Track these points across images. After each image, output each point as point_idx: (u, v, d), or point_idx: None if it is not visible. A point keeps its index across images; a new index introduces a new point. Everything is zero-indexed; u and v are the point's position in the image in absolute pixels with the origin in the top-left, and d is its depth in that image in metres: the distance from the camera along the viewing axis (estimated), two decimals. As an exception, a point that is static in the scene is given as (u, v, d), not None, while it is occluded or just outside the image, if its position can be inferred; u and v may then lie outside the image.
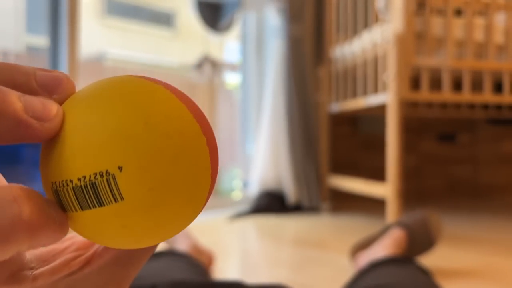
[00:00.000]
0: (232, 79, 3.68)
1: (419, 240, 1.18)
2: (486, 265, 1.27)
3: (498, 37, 1.85)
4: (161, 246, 1.23)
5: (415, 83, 1.87)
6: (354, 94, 2.13)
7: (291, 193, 2.24)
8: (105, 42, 7.97)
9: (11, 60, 2.71)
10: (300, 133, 2.27)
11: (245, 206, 2.29)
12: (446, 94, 1.76)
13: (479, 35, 1.82)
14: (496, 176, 2.90)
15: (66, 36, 1.75)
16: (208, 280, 0.58)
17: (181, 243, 1.18)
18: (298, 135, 2.26)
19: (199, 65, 2.27)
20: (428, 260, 1.27)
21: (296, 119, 2.26)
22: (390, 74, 1.69)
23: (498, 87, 1.95)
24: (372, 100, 1.90)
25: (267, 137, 2.29)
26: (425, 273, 0.87)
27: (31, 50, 6.58)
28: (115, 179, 0.16)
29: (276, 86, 2.27)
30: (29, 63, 2.76)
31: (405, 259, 0.91)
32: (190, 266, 0.87)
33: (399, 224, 1.19)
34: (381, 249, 1.10)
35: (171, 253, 0.95)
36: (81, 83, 1.29)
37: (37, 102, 0.15)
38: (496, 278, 1.15)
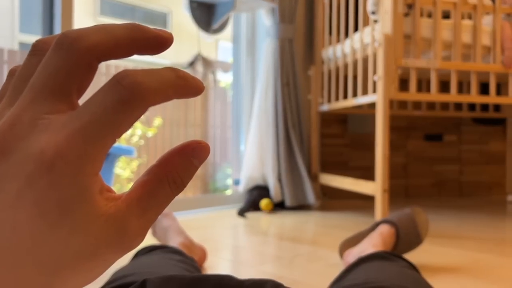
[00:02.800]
0: (225, 78, 3.71)
1: (407, 236, 1.22)
2: (472, 262, 1.30)
3: (485, 39, 1.89)
4: (154, 242, 1.25)
5: (405, 84, 1.91)
6: (344, 94, 2.17)
7: (276, 191, 2.26)
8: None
9: (5, 57, 2.71)
10: (290, 132, 2.30)
11: (244, 202, 2.31)
12: (434, 95, 1.81)
13: (466, 37, 1.86)
14: (481, 175, 2.96)
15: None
16: (199, 275, 0.60)
17: (174, 239, 1.20)
18: (287, 134, 2.29)
19: (192, 64, 2.29)
20: (415, 256, 1.31)
21: (286, 118, 2.29)
22: (379, 75, 1.73)
23: (485, 88, 2.00)
24: (361, 100, 1.94)
25: (256, 136, 2.32)
26: (412, 268, 0.89)
27: (25, 47, 6.54)
28: None
29: (267, 86, 2.30)
30: (22, 60, 2.76)
31: (393, 255, 0.94)
32: (182, 262, 0.88)
33: (387, 221, 1.23)
34: (370, 246, 1.13)
35: (163, 249, 0.96)
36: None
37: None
38: (481, 274, 1.19)
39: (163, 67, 0.19)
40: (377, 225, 1.24)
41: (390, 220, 1.23)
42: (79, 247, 0.18)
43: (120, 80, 0.18)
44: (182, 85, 0.19)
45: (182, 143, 0.21)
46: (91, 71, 0.19)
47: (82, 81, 0.19)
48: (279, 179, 2.28)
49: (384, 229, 1.20)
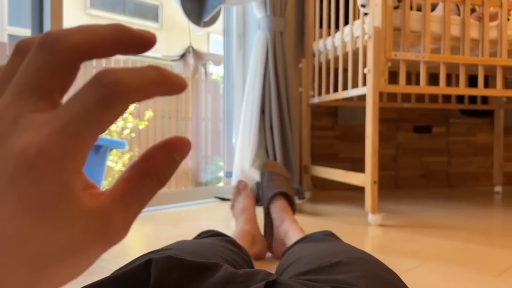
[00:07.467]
0: (216, 70, 3.70)
1: (287, 187, 1.30)
2: (459, 251, 1.33)
3: (473, 32, 1.92)
4: (150, 234, 1.26)
5: (394, 76, 1.93)
6: (335, 86, 2.18)
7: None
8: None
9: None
10: (280, 124, 2.31)
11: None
12: (423, 87, 1.83)
13: (455, 30, 1.88)
14: (469, 166, 3.00)
15: (49, 27, 1.76)
16: (204, 264, 0.60)
17: (241, 225, 1.21)
18: (277, 126, 2.30)
19: (183, 56, 2.29)
20: (404, 247, 1.34)
21: (277, 111, 2.30)
22: (369, 67, 1.74)
23: (473, 81, 2.03)
24: (352, 92, 1.95)
25: (246, 128, 2.32)
26: (329, 236, 0.92)
27: (14, 39, 6.47)
28: None
29: (257, 78, 2.31)
30: (10, 52, 2.76)
31: (308, 236, 0.97)
32: (230, 251, 0.84)
33: (270, 197, 1.27)
34: (286, 225, 1.17)
35: (219, 235, 0.93)
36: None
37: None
38: (469, 263, 1.21)
39: (145, 65, 0.20)
40: (268, 209, 1.27)
41: (272, 195, 1.26)
42: (64, 243, 0.18)
43: (101, 78, 0.18)
44: (164, 83, 0.19)
45: (164, 139, 0.21)
46: (74, 70, 0.19)
47: (64, 80, 0.19)
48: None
49: (278, 206, 1.24)
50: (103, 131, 0.19)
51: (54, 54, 0.18)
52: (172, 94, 0.20)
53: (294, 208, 1.29)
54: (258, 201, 2.18)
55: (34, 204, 0.17)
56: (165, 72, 0.20)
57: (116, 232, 0.19)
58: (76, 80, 0.21)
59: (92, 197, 0.19)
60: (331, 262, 0.66)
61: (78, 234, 0.18)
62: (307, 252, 0.80)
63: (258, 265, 1.10)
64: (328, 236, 0.92)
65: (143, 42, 0.20)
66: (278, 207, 1.24)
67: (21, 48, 0.21)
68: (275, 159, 2.29)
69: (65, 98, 0.20)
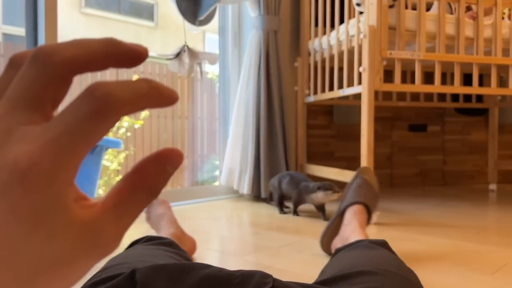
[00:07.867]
0: (212, 69, 3.70)
1: (373, 202, 1.30)
2: (454, 249, 1.34)
3: (468, 31, 1.92)
4: (146, 232, 1.26)
5: (389, 75, 1.94)
6: (330, 85, 2.19)
7: (249, 183, 2.25)
8: (85, 32, 7.85)
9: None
10: (268, 123, 2.29)
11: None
12: (418, 86, 1.83)
13: (449, 28, 1.89)
14: (464, 164, 3.01)
15: (43, 27, 1.75)
16: (188, 264, 0.61)
17: (165, 229, 1.21)
18: (264, 126, 2.28)
19: (178, 55, 2.28)
20: (400, 244, 1.34)
21: (265, 110, 2.29)
22: (364, 66, 1.75)
23: (468, 79, 2.03)
24: (347, 91, 1.96)
25: (238, 127, 2.32)
26: (392, 253, 0.92)
27: (8, 39, 6.44)
28: None
29: (251, 78, 2.31)
30: (5, 51, 2.72)
31: (376, 243, 0.96)
32: (176, 254, 0.88)
33: (353, 203, 1.26)
34: (353, 226, 1.17)
35: (158, 240, 0.96)
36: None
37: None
38: (463, 261, 1.22)
39: (138, 78, 0.20)
40: (344, 209, 1.27)
41: (354, 201, 1.26)
42: (56, 254, 0.18)
43: (93, 91, 0.18)
44: (155, 95, 0.20)
45: (156, 150, 0.21)
46: (66, 83, 0.20)
47: (56, 94, 0.19)
48: (260, 170, 2.27)
49: (355, 210, 1.24)
50: (95, 143, 0.19)
51: (47, 68, 0.19)
52: (163, 106, 0.20)
53: (368, 221, 1.29)
54: (281, 202, 2.11)
55: (26, 214, 0.17)
56: (156, 85, 0.20)
57: (107, 243, 0.20)
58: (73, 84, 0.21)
59: (84, 208, 0.19)
60: (358, 271, 0.68)
61: (69, 245, 0.18)
62: (346, 260, 0.83)
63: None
64: (377, 245, 0.93)
65: (135, 56, 0.20)
66: (354, 210, 1.25)
67: (15, 61, 0.21)
68: (258, 159, 2.26)
69: (59, 109, 0.20)
